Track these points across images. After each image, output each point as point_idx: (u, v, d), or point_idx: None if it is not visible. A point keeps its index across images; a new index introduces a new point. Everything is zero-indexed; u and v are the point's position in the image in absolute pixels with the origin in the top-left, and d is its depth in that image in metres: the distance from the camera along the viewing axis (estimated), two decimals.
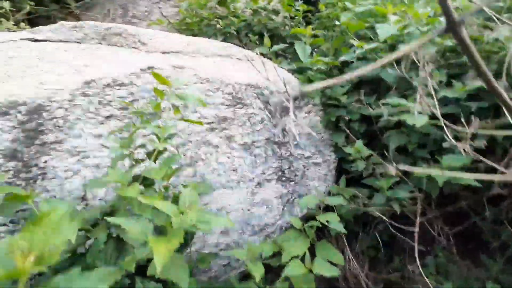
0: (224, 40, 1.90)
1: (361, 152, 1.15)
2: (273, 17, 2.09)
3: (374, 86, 1.58)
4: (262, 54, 1.84)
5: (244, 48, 1.95)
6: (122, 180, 0.67)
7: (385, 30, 1.24)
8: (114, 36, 1.49)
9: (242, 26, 2.01)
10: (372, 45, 1.35)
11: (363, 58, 1.54)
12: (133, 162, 0.79)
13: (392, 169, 1.16)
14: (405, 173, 1.16)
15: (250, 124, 1.34)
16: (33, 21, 2.39)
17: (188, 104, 0.89)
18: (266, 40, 1.78)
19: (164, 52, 1.51)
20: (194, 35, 2.08)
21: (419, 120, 0.98)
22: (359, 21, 1.49)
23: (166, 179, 0.73)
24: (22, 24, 1.74)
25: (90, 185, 0.75)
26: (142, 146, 0.91)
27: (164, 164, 0.77)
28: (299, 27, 2.28)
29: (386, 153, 1.46)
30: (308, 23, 2.61)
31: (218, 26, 1.87)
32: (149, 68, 1.18)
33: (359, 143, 1.19)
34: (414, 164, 1.14)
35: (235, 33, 1.91)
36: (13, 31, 1.94)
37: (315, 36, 1.75)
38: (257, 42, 1.95)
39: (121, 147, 0.75)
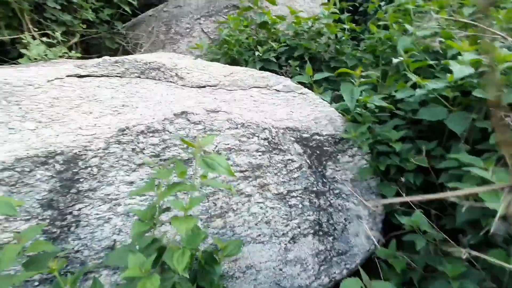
0: (263, 67, 1.80)
1: (421, 226, 0.95)
2: (317, 39, 1.94)
3: (435, 128, 1.35)
4: (303, 84, 1.70)
5: (283, 75, 1.84)
6: (141, 270, 0.60)
7: (459, 70, 1.02)
8: (153, 71, 1.48)
9: (282, 51, 1.89)
10: (439, 85, 1.14)
11: (424, 96, 1.32)
12: (156, 233, 0.73)
13: (461, 253, 0.95)
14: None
15: (286, 172, 1.22)
16: (84, 41, 2.55)
17: (217, 167, 0.80)
18: (308, 69, 1.64)
19: (200, 87, 1.46)
20: (233, 59, 2.02)
21: (505, 207, 0.77)
22: (422, 59, 1.27)
23: (188, 267, 0.65)
24: (73, 52, 1.83)
25: (109, 261, 0.70)
26: (167, 209, 0.85)
27: (188, 244, 0.69)
28: (344, 48, 2.09)
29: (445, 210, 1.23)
30: (354, 39, 2.40)
31: (257, 53, 1.78)
32: (182, 113, 1.13)
33: (418, 214, 1.00)
34: (488, 244, 0.91)
35: (274, 59, 1.80)
36: (69, 56, 2.06)
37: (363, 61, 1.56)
38: (298, 69, 1.81)
39: (143, 221, 0.69)
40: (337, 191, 1.31)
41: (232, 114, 1.19)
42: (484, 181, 0.92)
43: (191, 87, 1.46)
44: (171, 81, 1.48)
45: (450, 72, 1.46)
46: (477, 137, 1.14)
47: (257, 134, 1.19)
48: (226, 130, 1.15)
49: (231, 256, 0.98)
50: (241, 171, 1.16)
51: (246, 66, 1.89)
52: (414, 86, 1.40)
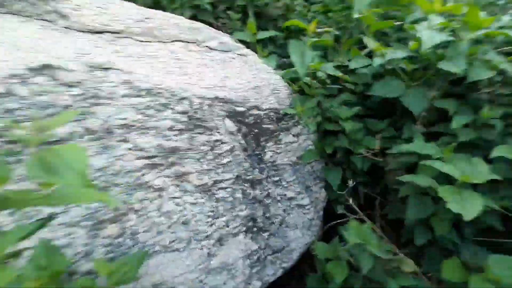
0: (194, 17, 1.40)
1: (370, 246, 0.76)
2: None
3: (387, 105, 1.19)
4: (244, 43, 1.37)
5: (220, 29, 1.46)
6: None
7: (429, 37, 0.82)
8: (18, 2, 0.97)
9: None
10: (400, 54, 0.93)
11: (381, 67, 1.11)
12: None
13: (409, 266, 0.82)
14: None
15: (213, 156, 0.93)
16: None
17: (61, 171, 0.46)
18: (250, 24, 1.30)
19: (94, 32, 1.01)
20: (156, 1, 1.55)
21: (469, 210, 0.62)
22: (383, 17, 1.05)
23: None
24: None
25: None
26: None
27: None
28: (295, 5, 1.78)
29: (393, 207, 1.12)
30: None
31: None
32: (45, 67, 0.72)
33: (366, 229, 0.79)
34: (447, 252, 0.80)
35: (209, 7, 1.40)
36: None
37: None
38: (239, 23, 1.46)
39: None
40: (276, 179, 1.08)
41: (133, 74, 0.81)
42: (443, 175, 0.78)
43: (80, 31, 1.01)
44: (47, 20, 1.00)
45: (406, 41, 1.27)
46: (433, 118, 1.00)
47: (171, 106, 0.85)
48: (121, 98, 0.78)
49: (124, 283, 0.68)
50: (148, 157, 0.83)
51: (172, 13, 1.45)
52: (369, 56, 1.19)
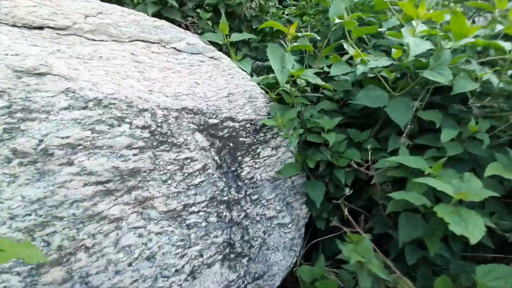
0: (159, 14, 1.25)
1: (369, 264, 0.70)
2: None
3: (369, 114, 1.15)
4: (216, 44, 1.25)
5: (189, 29, 1.33)
6: None
7: (415, 44, 0.77)
8: None
9: None
10: (383, 62, 0.88)
11: (362, 75, 1.06)
12: None
13: (407, 286, 0.75)
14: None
15: (182, 177, 0.80)
16: None
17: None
18: (223, 24, 1.19)
19: (31, 27, 0.83)
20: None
21: (474, 232, 0.56)
22: (360, 19, 0.99)
23: None
24: None
25: None
26: None
27: None
28: (270, 6, 1.70)
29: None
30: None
31: None
32: None
33: (365, 245, 0.73)
34: (437, 268, 0.75)
35: (176, 4, 1.26)
36: None
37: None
38: (210, 23, 1.34)
39: None
40: (255, 197, 0.98)
41: (77, 81, 0.66)
42: (430, 190, 0.73)
43: (14, 26, 0.82)
44: None
45: (382, 48, 1.25)
46: (415, 129, 0.96)
47: (128, 119, 0.71)
48: (62, 111, 0.62)
49: None
50: (100, 183, 0.68)
51: (133, 9, 1.28)
52: (348, 63, 1.14)
